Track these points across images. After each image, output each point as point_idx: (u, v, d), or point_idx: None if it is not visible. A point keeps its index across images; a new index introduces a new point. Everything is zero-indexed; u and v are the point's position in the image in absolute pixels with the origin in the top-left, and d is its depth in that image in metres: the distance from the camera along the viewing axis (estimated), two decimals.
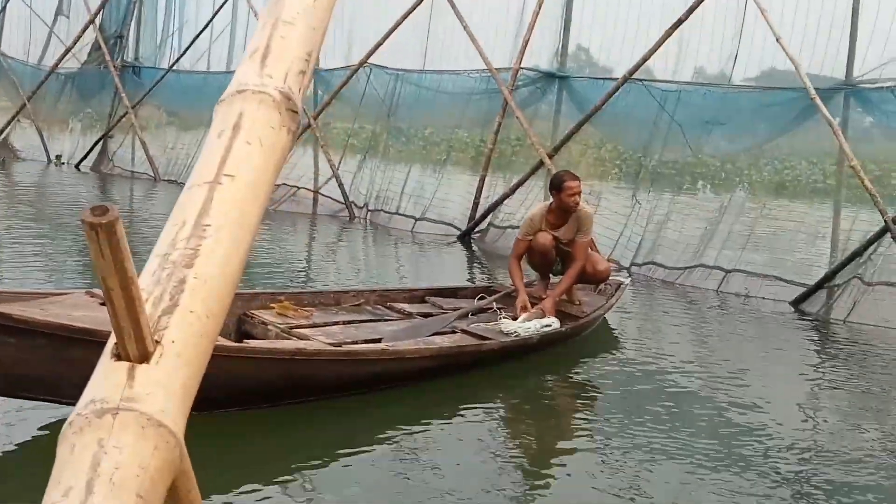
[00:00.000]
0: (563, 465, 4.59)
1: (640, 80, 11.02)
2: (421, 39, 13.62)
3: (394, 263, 11.16)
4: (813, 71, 9.71)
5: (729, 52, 10.63)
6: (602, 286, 7.56)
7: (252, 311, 5.73)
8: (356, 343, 5.42)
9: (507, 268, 7.12)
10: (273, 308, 5.84)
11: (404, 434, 4.69)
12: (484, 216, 12.28)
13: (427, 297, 7.04)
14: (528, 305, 6.61)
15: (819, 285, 9.06)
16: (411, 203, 13.22)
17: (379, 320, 6.26)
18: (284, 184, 14.63)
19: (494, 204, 12.19)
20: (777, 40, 9.63)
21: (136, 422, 0.84)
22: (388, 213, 13.46)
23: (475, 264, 11.24)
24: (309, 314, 5.96)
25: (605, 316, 7.39)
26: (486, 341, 5.91)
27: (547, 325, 6.34)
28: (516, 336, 6.08)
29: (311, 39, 1.20)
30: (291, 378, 4.71)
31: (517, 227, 10.65)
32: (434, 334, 5.99)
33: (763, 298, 9.24)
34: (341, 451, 4.38)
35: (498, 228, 12.02)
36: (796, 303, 9.07)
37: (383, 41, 13.74)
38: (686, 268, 9.98)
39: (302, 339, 5.32)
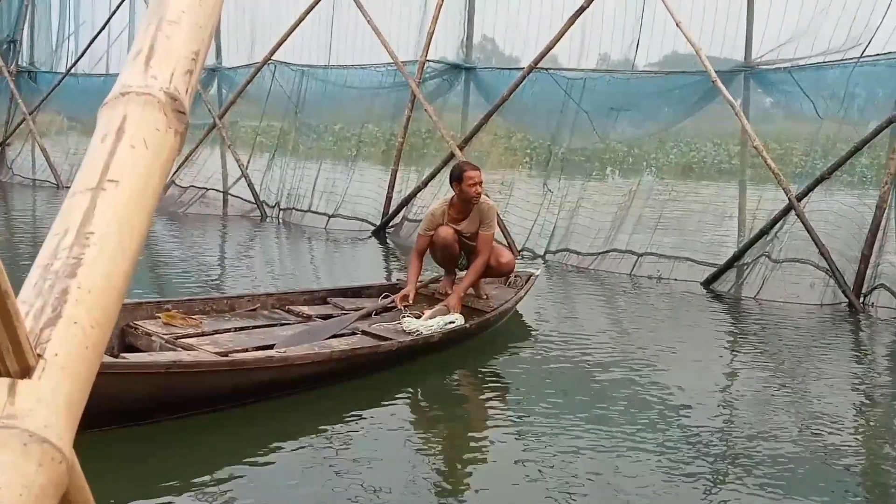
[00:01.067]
0: (482, 461, 4.51)
1: (546, 69, 11.09)
2: (325, 34, 13.48)
3: (307, 262, 11.03)
4: (713, 54, 9.90)
5: (631, 39, 10.75)
6: (512, 278, 7.47)
7: (136, 322, 5.45)
8: (246, 351, 5.18)
9: (419, 237, 7.00)
10: (159, 318, 5.58)
11: (301, 445, 4.46)
12: (397, 210, 12.24)
13: (329, 299, 6.83)
14: (410, 297, 6.55)
15: (729, 265, 9.26)
16: (323, 200, 13.12)
17: (275, 325, 6.03)
18: (193, 185, 14.42)
19: (407, 198, 12.16)
20: (677, 25, 9.77)
21: (17, 439, 0.79)
22: (301, 211, 13.32)
23: (391, 259, 11.17)
24: (198, 322, 5.69)
25: (518, 307, 7.30)
26: (384, 342, 5.67)
27: (450, 322, 6.16)
28: (418, 335, 5.88)
29: (197, 38, 1.16)
30: (171, 392, 4.42)
31: None
32: (332, 337, 5.75)
33: (675, 280, 9.42)
34: (231, 467, 4.14)
35: (412, 222, 11.97)
36: (707, 283, 9.25)
37: (286, 37, 13.55)
38: (599, 253, 10.10)
39: (187, 350, 5.05)
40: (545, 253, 10.52)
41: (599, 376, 5.87)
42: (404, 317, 6.23)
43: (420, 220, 11.44)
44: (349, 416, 4.86)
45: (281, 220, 13.38)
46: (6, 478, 0.77)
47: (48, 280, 0.92)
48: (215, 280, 9.16)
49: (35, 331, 0.87)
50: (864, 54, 8.79)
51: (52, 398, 0.85)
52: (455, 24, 12.41)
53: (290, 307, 6.45)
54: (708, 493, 4.06)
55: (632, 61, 10.90)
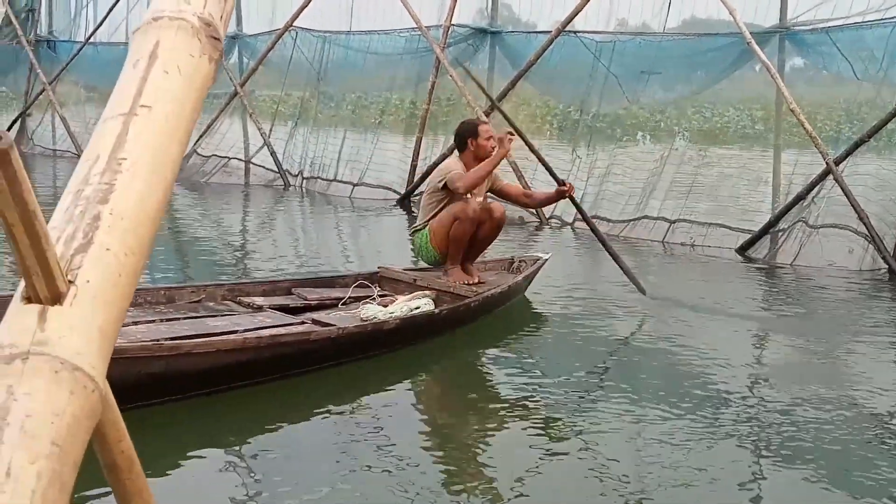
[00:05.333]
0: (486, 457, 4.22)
1: (574, 32, 10.86)
2: None
3: (333, 234, 10.87)
4: (747, 17, 9.65)
5: (661, 2, 10.50)
6: (517, 263, 6.94)
7: None
8: (157, 342, 4.36)
9: (469, 181, 5.97)
10: None
11: (188, 458, 3.69)
12: (423, 179, 12.08)
13: (293, 289, 6.06)
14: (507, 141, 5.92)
15: (764, 231, 9.07)
16: (348, 169, 13.02)
17: (214, 316, 5.29)
18: (215, 155, 14.33)
19: (432, 166, 11.98)
20: None
21: (48, 366, 0.79)
22: (326, 179, 13.24)
23: None
24: None
25: (529, 292, 6.73)
26: (318, 329, 4.91)
27: (416, 308, 5.43)
28: (374, 321, 5.18)
29: None
30: None
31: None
32: (276, 326, 5.05)
33: (709, 247, 9.23)
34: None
35: None
36: (742, 249, 9.07)
37: (308, 3, 13.39)
38: (630, 220, 9.92)
39: None
40: (574, 220, 10.33)
41: (626, 349, 5.64)
42: (365, 303, 5.62)
43: None
44: (269, 423, 4.11)
45: (305, 190, 13.27)
46: (36, 404, 0.76)
47: (79, 206, 0.90)
48: (244, 253, 9.02)
49: (66, 257, 0.86)
50: None
51: (83, 325, 0.83)
52: None
53: (242, 298, 5.73)
54: (747, 472, 3.85)
55: (660, 24, 10.66)
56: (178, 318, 5.12)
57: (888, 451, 4.11)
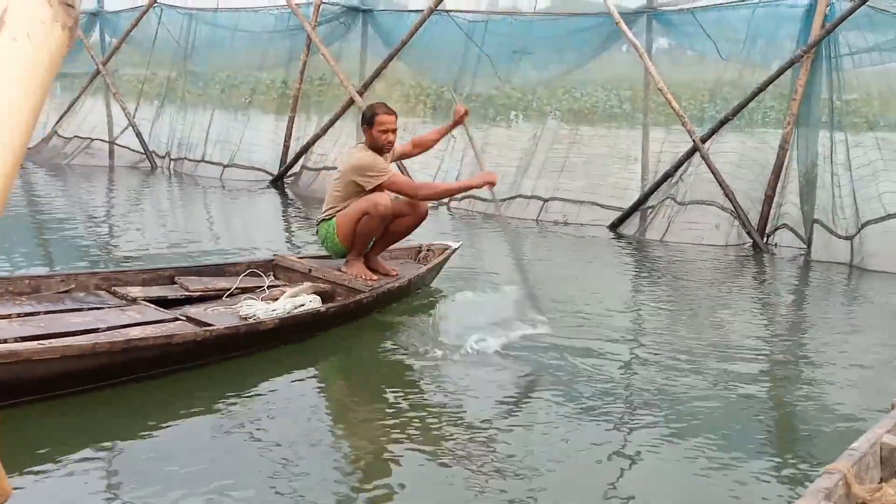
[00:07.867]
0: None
1: (447, 12, 10.84)
2: None
3: (202, 215, 10.59)
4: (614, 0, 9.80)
5: None
6: (424, 252, 6.76)
7: None
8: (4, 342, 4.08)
9: (439, 192, 7.35)
10: None
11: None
12: (296, 159, 11.92)
13: (176, 278, 5.67)
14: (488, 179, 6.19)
15: (634, 208, 9.29)
16: (217, 149, 12.69)
17: (77, 311, 4.86)
18: (77, 136, 13.80)
19: (306, 146, 11.84)
20: None
21: None
22: (194, 161, 12.88)
23: (290, 209, 10.86)
24: None
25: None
26: (172, 335, 4.38)
27: (301, 305, 5.16)
28: (255, 320, 4.87)
29: None
30: None
31: (332, 169, 10.34)
32: (139, 324, 4.69)
33: (581, 224, 9.41)
34: None
35: (311, 171, 11.71)
36: (613, 227, 9.28)
37: None
38: (505, 199, 9.97)
39: None
40: (450, 200, 10.35)
41: (498, 324, 5.42)
42: (248, 298, 5.33)
43: (320, 169, 11.27)
44: (134, 424, 3.83)
45: (172, 171, 12.91)
46: None
47: None
48: (109, 237, 8.69)
49: None
50: None
51: None
52: None
53: (117, 289, 5.30)
54: (616, 435, 3.94)
55: (533, 3, 10.72)
56: (38, 313, 4.71)
57: (753, 411, 4.31)
